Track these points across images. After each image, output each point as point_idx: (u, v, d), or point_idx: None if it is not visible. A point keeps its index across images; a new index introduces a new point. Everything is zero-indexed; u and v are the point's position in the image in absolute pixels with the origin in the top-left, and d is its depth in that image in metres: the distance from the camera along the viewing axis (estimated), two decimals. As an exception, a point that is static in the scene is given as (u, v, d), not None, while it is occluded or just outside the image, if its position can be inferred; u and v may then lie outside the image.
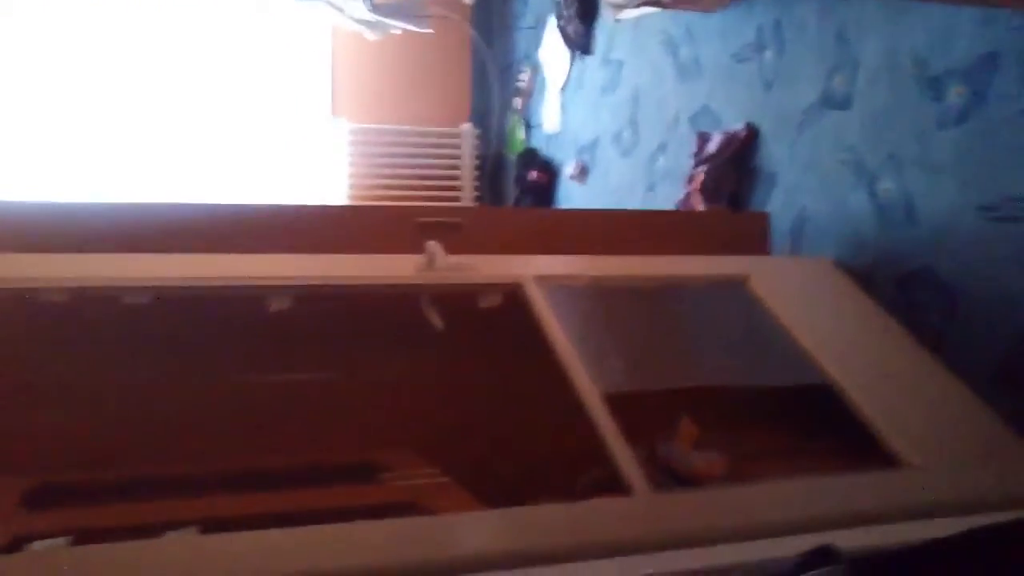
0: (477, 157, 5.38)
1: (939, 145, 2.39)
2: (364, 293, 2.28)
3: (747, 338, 2.42)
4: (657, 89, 3.74)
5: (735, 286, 2.54)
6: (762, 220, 2.80)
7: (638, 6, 3.21)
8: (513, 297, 2.31)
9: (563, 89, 4.60)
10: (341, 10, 4.56)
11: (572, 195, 4.50)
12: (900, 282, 2.51)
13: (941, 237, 2.38)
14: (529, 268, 2.39)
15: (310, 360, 2.32)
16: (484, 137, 5.41)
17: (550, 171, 4.67)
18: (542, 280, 2.35)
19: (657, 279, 2.49)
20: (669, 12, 3.55)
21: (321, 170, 5.19)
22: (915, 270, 2.46)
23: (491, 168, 5.42)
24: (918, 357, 2.39)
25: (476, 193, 5.36)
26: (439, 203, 5.27)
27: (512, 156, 5.13)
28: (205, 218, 2.32)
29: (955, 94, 2.35)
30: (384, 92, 5.28)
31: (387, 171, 5.19)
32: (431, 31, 5.00)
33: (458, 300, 2.29)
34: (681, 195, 3.38)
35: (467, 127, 5.37)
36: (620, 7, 3.18)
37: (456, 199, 5.32)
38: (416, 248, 2.34)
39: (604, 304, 2.39)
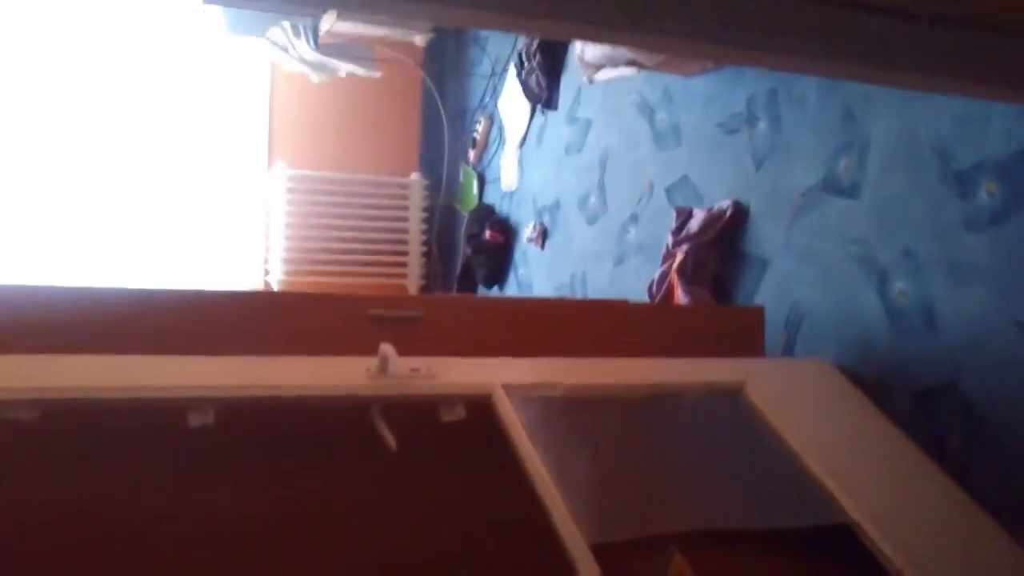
0: (425, 210, 5.03)
1: (967, 248, 2.11)
2: (304, 405, 1.91)
3: (748, 461, 2.10)
4: (629, 154, 3.44)
5: (730, 395, 2.24)
6: (756, 316, 2.49)
7: (616, 67, 2.91)
8: (480, 409, 1.98)
9: (522, 144, 4.28)
10: (284, 49, 4.20)
11: (530, 259, 4.17)
12: (917, 397, 2.22)
13: (969, 352, 2.09)
14: (498, 374, 2.06)
15: (238, 485, 1.93)
16: (433, 189, 5.06)
17: (507, 231, 4.34)
18: (513, 390, 2.03)
19: (643, 388, 2.17)
20: (645, 73, 3.25)
21: (256, 219, 4.79)
22: (935, 385, 2.17)
23: (440, 222, 5.07)
24: (944, 489, 2.10)
25: (423, 248, 5.00)
26: (383, 256, 4.90)
27: (464, 211, 4.79)
28: (111, 308, 1.93)
29: (986, 193, 2.08)
30: (327, 138, 4.91)
31: (328, 221, 4.80)
32: (379, 74, 4.67)
33: (416, 413, 1.95)
34: (656, 274, 3.07)
35: (415, 177, 5.02)
36: (596, 68, 2.88)
37: (403, 252, 4.96)
38: (367, 344, 1.99)
39: (584, 419, 2.06)
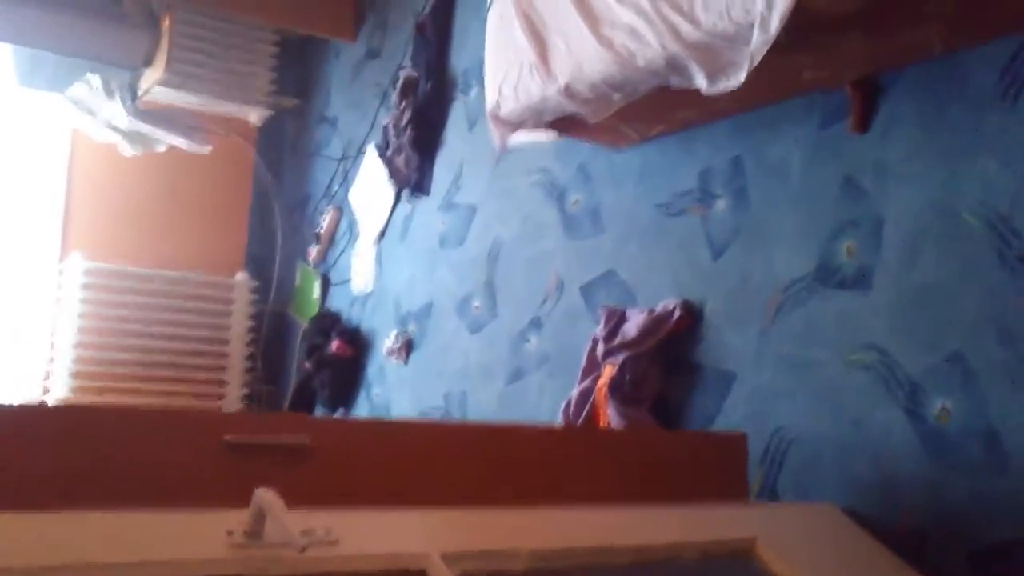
0: (252, 316, 4.23)
1: (1048, 353, 1.59)
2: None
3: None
4: (529, 245, 2.84)
5: (737, 556, 1.61)
6: (738, 445, 1.89)
7: (539, 126, 2.32)
8: (409, 595, 1.27)
9: (380, 238, 3.61)
10: (90, 112, 3.40)
11: (388, 376, 3.45)
12: (978, 556, 1.65)
13: (1062, 494, 1.56)
14: (432, 537, 1.38)
15: None
16: (263, 292, 4.28)
17: (358, 343, 3.61)
18: (456, 560, 1.33)
19: (630, 552, 1.51)
20: (553, 147, 2.69)
21: (41, 321, 3.86)
22: (1008, 540, 1.61)
23: (269, 332, 4.27)
24: None
25: (247, 364, 4.18)
26: (198, 372, 4.05)
27: (301, 319, 4.03)
28: None
29: (1072, 280, 1.58)
30: (136, 225, 4.09)
31: (131, 327, 3.94)
32: (207, 148, 3.92)
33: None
34: (574, 392, 2.44)
35: (241, 278, 4.24)
36: (514, 126, 2.28)
37: (221, 367, 4.13)
38: (226, 489, 1.25)
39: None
